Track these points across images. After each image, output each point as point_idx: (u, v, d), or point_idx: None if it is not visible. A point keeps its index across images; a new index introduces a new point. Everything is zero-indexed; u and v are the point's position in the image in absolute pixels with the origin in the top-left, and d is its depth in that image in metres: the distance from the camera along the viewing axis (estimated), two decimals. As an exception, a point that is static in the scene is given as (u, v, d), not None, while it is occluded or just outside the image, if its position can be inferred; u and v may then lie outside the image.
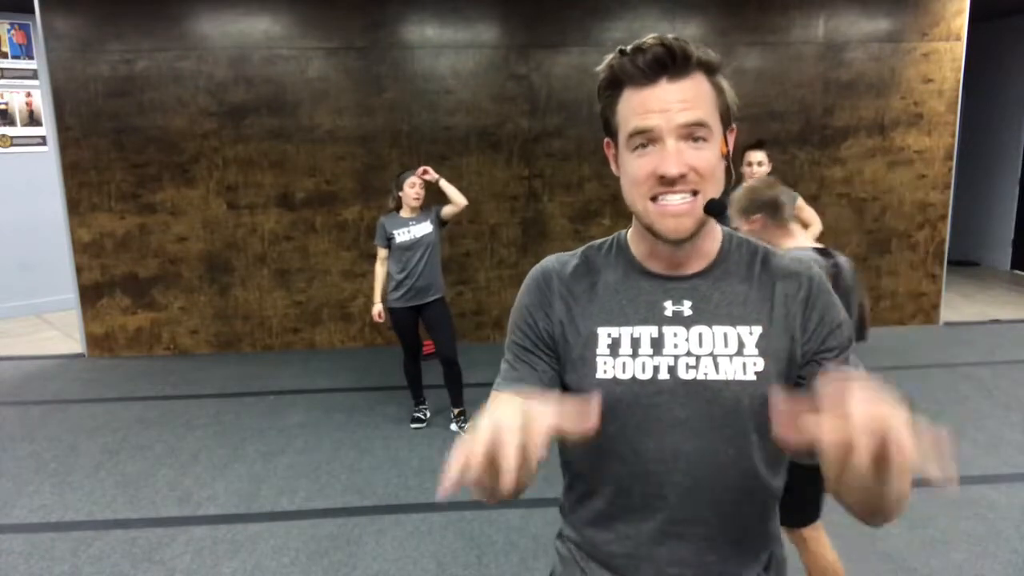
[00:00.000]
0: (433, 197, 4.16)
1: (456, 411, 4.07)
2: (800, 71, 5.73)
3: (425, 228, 3.98)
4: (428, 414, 4.22)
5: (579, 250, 1.09)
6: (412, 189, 3.97)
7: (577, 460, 1.06)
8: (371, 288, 4.29)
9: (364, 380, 5.01)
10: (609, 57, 0.96)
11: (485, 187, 5.60)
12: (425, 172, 4.05)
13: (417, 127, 5.56)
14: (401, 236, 3.95)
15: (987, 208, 8.20)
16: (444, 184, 4.05)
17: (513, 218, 5.73)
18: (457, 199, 4.02)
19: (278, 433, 4.07)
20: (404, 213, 4.01)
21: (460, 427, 4.01)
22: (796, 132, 5.79)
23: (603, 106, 0.99)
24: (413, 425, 4.13)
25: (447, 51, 5.52)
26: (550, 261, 1.09)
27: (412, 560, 2.84)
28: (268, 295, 5.66)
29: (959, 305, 6.59)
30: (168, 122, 5.41)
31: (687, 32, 5.62)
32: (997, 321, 6.13)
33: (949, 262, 6.25)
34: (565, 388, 1.04)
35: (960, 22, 5.75)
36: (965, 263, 8.21)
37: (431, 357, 4.34)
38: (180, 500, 3.34)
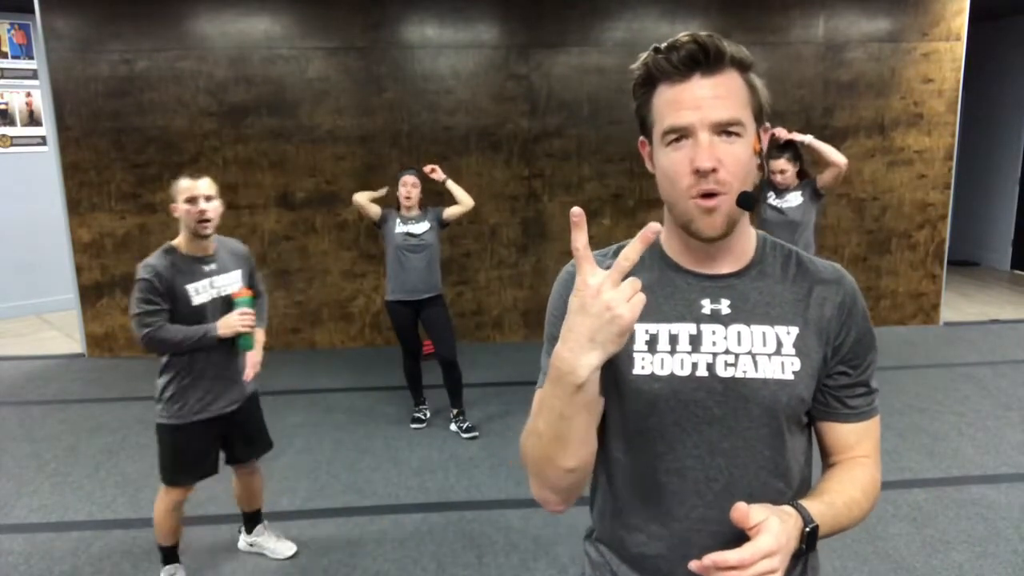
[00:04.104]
0: (433, 198, 4.16)
1: (456, 411, 4.06)
2: (800, 71, 5.73)
3: (424, 227, 3.98)
4: (428, 414, 4.22)
5: (611, 248, 1.09)
6: (404, 188, 3.95)
7: (613, 458, 1.06)
8: (368, 196, 4.09)
9: (364, 380, 5.01)
10: (643, 55, 0.97)
11: (485, 187, 5.60)
12: (433, 171, 4.07)
13: (417, 127, 5.56)
14: (399, 229, 3.95)
15: (987, 208, 8.20)
16: (451, 185, 4.07)
17: (513, 218, 5.73)
18: (464, 200, 4.04)
19: (278, 433, 4.05)
20: (404, 212, 4.02)
21: (460, 427, 4.01)
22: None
23: (638, 104, 0.99)
24: (413, 425, 4.13)
25: (447, 51, 5.52)
26: None
27: (412, 560, 2.84)
28: (268, 295, 5.65)
29: (959, 305, 6.59)
30: (168, 122, 5.41)
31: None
32: (997, 321, 6.13)
33: (949, 262, 6.25)
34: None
35: (960, 22, 5.75)
36: (965, 263, 8.21)
37: (431, 357, 4.34)
38: (180, 500, 3.34)
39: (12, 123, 6.70)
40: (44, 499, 3.37)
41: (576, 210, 0.81)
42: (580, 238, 0.82)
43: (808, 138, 3.94)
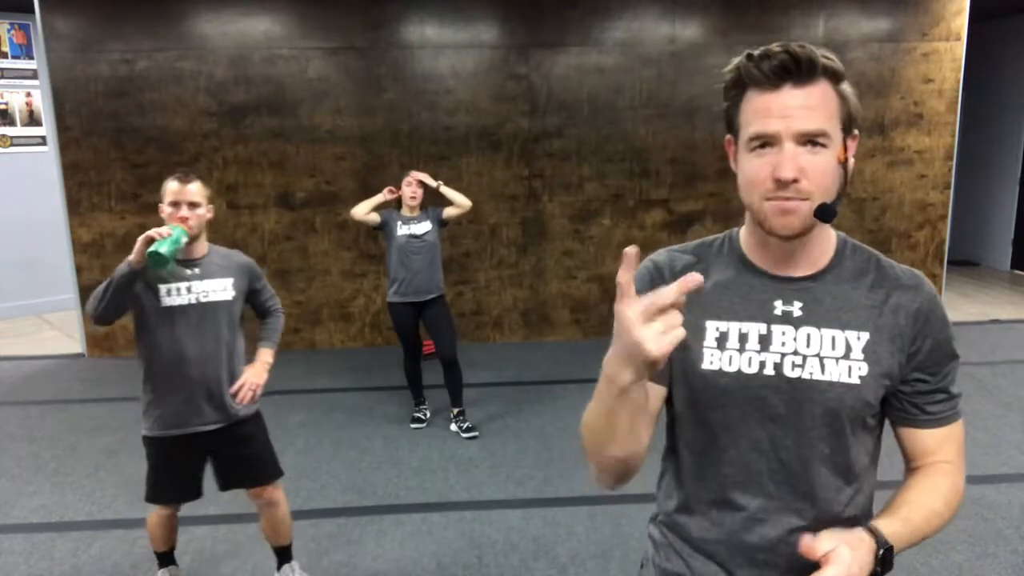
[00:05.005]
0: (434, 198, 4.16)
1: (456, 411, 4.06)
2: (800, 71, 5.73)
3: (425, 227, 3.99)
4: (428, 414, 4.22)
5: (690, 246, 1.13)
6: (409, 188, 3.98)
7: (679, 446, 1.12)
8: (366, 208, 4.02)
9: (364, 380, 5.01)
10: (736, 60, 0.98)
11: (485, 187, 5.60)
12: (421, 184, 4.01)
13: (417, 127, 5.56)
14: (401, 231, 3.96)
15: (987, 208, 8.20)
16: (445, 189, 4.07)
17: (513, 218, 5.73)
18: (461, 202, 4.04)
19: (278, 433, 4.05)
20: (405, 211, 4.02)
21: (460, 427, 4.01)
22: (796, 132, 5.79)
23: (728, 105, 1.01)
24: (413, 425, 4.13)
25: (447, 51, 5.52)
26: (661, 256, 1.12)
27: (412, 560, 2.84)
28: (268, 295, 5.66)
29: (959, 305, 6.59)
30: (168, 122, 5.41)
31: (687, 32, 5.62)
32: (997, 321, 6.13)
33: (949, 262, 6.25)
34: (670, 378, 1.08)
35: (960, 22, 5.75)
36: (965, 263, 8.21)
37: (431, 357, 4.34)
38: (180, 500, 3.34)
39: (12, 123, 6.70)
40: (44, 499, 3.37)
41: (630, 250, 0.81)
42: (625, 274, 0.82)
43: None
